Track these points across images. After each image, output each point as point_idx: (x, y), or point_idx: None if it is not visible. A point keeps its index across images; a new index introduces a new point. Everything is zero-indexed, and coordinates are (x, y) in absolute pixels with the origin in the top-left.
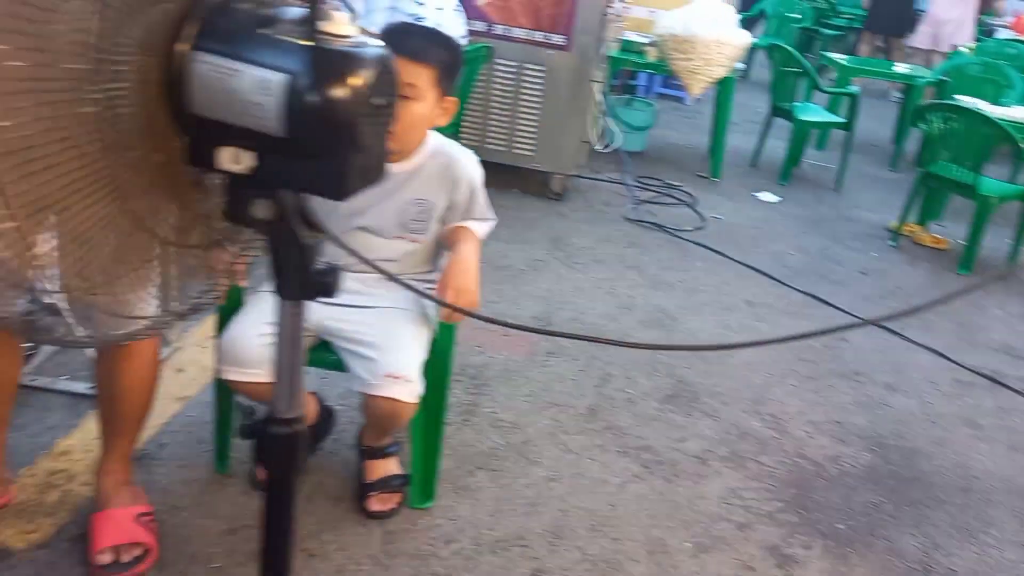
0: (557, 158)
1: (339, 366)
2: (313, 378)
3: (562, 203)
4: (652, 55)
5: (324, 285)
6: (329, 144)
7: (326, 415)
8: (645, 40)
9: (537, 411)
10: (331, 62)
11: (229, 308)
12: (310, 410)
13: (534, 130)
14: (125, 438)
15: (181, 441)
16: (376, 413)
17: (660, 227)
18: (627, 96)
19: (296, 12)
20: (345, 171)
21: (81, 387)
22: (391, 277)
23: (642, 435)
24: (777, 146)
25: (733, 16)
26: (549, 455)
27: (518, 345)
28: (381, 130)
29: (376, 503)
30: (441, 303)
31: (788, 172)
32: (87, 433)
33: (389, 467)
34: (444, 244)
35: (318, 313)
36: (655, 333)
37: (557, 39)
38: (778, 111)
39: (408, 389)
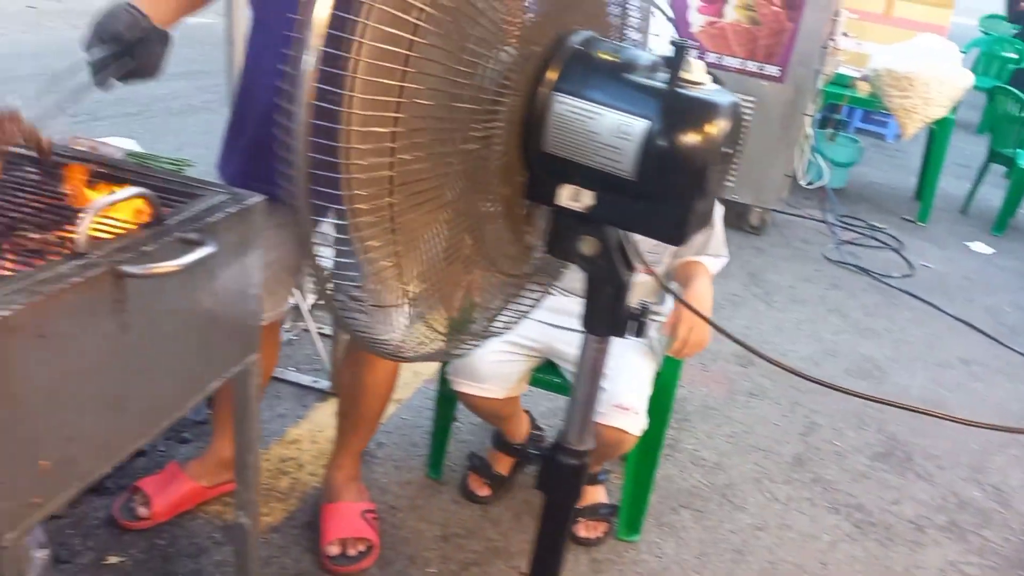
0: (759, 191)
1: (563, 389)
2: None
3: (759, 237)
4: (863, 90)
5: (636, 324)
6: (677, 189)
7: (536, 435)
8: (856, 74)
9: (740, 453)
10: (690, 110)
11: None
12: (523, 429)
13: (737, 161)
14: (359, 436)
15: (396, 442)
16: (598, 441)
17: (864, 271)
18: (831, 131)
19: (650, 58)
20: (687, 216)
21: (307, 379)
22: (683, 302)
23: (852, 492)
24: (989, 193)
25: (956, 54)
26: (754, 502)
27: (717, 382)
28: (723, 177)
29: (584, 529)
30: (731, 338)
31: (1004, 222)
32: (314, 424)
33: (597, 495)
34: (675, 277)
35: (549, 335)
36: (863, 384)
37: (772, 70)
38: (996, 156)
39: (634, 421)
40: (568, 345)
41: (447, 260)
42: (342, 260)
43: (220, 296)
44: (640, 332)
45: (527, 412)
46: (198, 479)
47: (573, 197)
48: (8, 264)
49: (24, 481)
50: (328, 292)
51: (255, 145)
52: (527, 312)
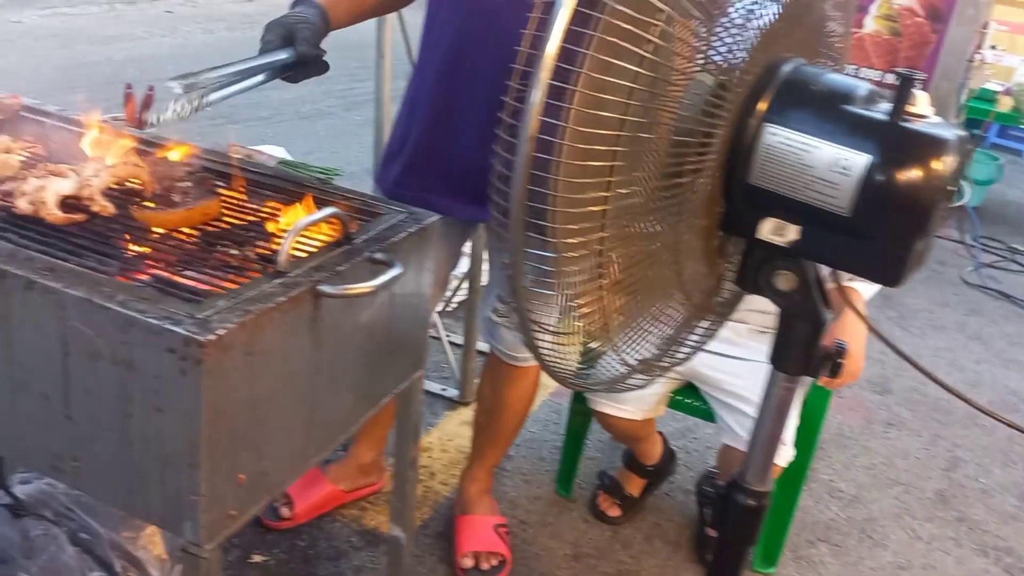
0: None
1: (704, 414)
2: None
3: None
4: (1005, 105)
5: (832, 365)
6: (897, 228)
7: (668, 457)
8: (999, 88)
9: (879, 487)
10: (917, 145)
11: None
12: (656, 451)
13: None
14: (495, 450)
15: (524, 456)
16: None
17: (1006, 296)
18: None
19: (867, 88)
20: (906, 256)
21: (436, 387)
22: (873, 329)
23: (1002, 535)
24: None
25: None
26: (896, 539)
27: (853, 410)
28: (944, 214)
29: None
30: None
31: None
32: (444, 432)
33: None
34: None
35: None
36: (1009, 419)
37: None
38: None
39: (782, 452)
40: (711, 369)
41: (646, 293)
42: (541, 291)
43: (397, 313)
44: (835, 372)
45: (660, 433)
46: (337, 483)
47: (776, 231)
48: (215, 280)
49: (224, 494)
50: (523, 320)
51: (413, 157)
52: (702, 344)
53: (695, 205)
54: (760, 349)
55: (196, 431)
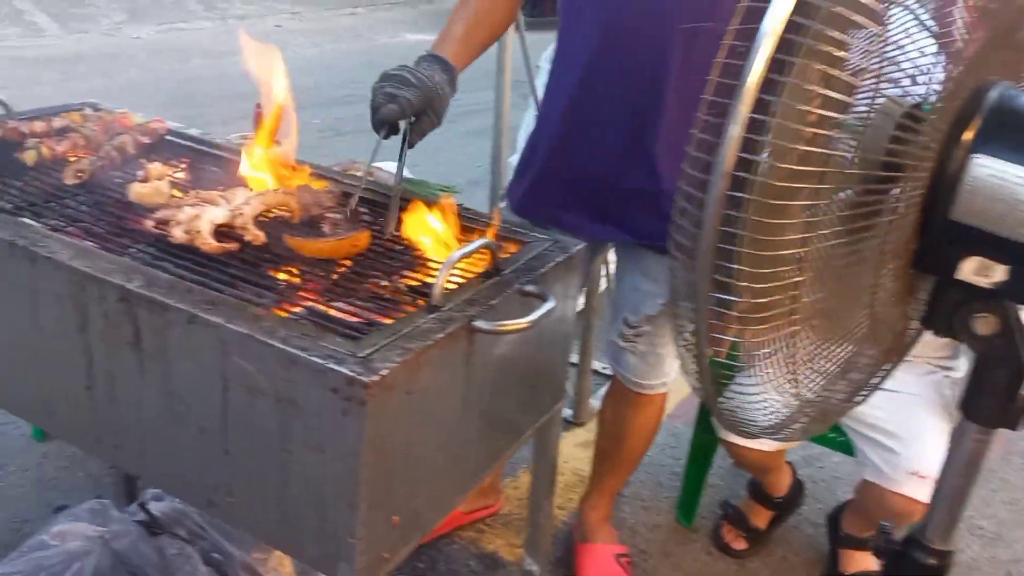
0: None
1: (842, 447)
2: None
3: None
4: None
5: None
6: None
7: (797, 488)
8: None
9: (1023, 525)
10: None
11: (727, 366)
12: (785, 482)
13: None
14: (617, 477)
15: (642, 481)
16: (885, 507)
17: None
18: None
19: None
20: None
21: None
22: None
23: None
24: None
25: None
26: None
27: None
28: None
29: None
30: None
31: None
32: (559, 454)
33: (869, 562)
34: None
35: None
36: None
37: None
38: None
39: (931, 490)
40: None
41: (839, 339)
42: (725, 338)
43: (543, 345)
44: None
45: (789, 463)
46: None
47: (980, 271)
48: (369, 315)
49: (380, 536)
50: (703, 373)
51: (541, 173)
52: (879, 384)
53: (896, 244)
54: (906, 379)
55: (356, 471)
